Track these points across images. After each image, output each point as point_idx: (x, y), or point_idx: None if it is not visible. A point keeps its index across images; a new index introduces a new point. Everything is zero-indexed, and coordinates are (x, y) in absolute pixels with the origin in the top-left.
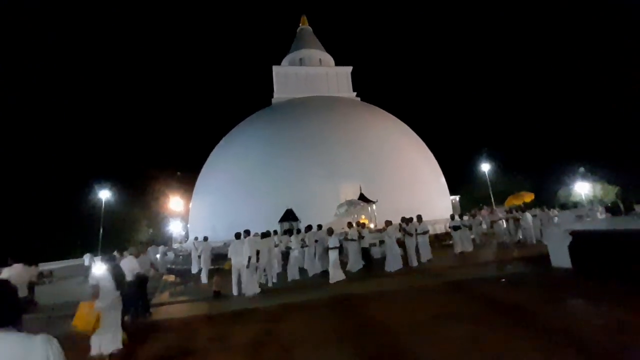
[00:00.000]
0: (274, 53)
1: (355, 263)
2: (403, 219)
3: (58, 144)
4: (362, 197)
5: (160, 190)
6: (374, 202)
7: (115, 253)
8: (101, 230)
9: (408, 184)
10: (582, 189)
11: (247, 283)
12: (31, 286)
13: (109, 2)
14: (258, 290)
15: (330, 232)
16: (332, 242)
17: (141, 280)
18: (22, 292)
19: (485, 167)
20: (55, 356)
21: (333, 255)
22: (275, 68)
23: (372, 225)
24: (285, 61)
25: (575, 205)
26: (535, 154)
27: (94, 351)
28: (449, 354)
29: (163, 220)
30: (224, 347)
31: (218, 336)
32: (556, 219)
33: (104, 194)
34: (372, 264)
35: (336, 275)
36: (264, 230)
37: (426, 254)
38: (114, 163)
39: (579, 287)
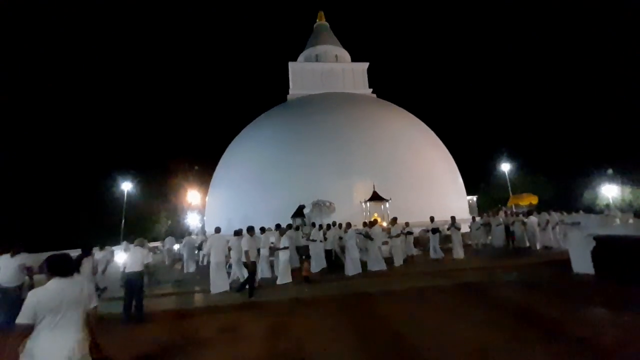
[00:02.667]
0: (291, 49)
1: (316, 264)
2: (364, 223)
3: (84, 139)
4: (375, 195)
5: (179, 184)
6: (387, 201)
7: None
8: (123, 221)
9: (423, 183)
10: (610, 192)
11: (213, 280)
12: None
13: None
14: (226, 288)
15: (282, 232)
16: (283, 242)
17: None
18: None
19: (505, 167)
20: (87, 287)
21: (282, 256)
22: (291, 64)
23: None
24: (301, 57)
25: (581, 210)
26: (559, 153)
27: None
28: (458, 358)
29: (181, 212)
30: (235, 338)
31: (229, 327)
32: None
33: (126, 186)
34: (336, 266)
35: (284, 277)
36: (277, 224)
37: (397, 259)
38: (137, 157)
39: (601, 294)
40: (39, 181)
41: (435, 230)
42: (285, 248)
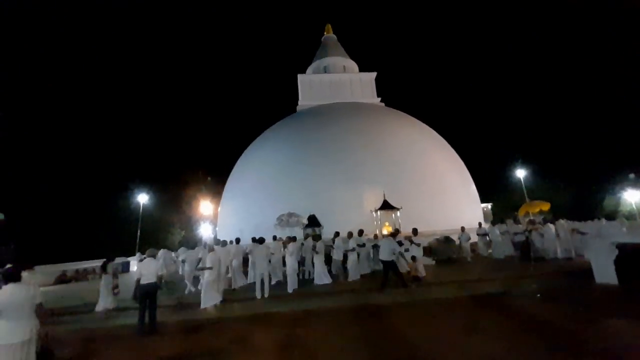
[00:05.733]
0: (300, 62)
1: (274, 276)
2: (314, 237)
3: (101, 153)
4: (386, 204)
5: (192, 195)
6: (398, 209)
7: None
8: (139, 232)
9: (435, 191)
10: (632, 197)
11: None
12: None
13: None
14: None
15: (210, 249)
16: (209, 261)
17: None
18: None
19: (521, 173)
20: (37, 292)
21: (207, 276)
22: (300, 76)
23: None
24: (310, 69)
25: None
26: (578, 158)
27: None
28: None
29: (195, 223)
30: (247, 350)
31: (241, 338)
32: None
33: (142, 198)
34: (303, 279)
35: (207, 298)
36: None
37: (354, 274)
38: (151, 169)
39: (627, 306)
40: (58, 196)
41: (400, 244)
42: (209, 268)
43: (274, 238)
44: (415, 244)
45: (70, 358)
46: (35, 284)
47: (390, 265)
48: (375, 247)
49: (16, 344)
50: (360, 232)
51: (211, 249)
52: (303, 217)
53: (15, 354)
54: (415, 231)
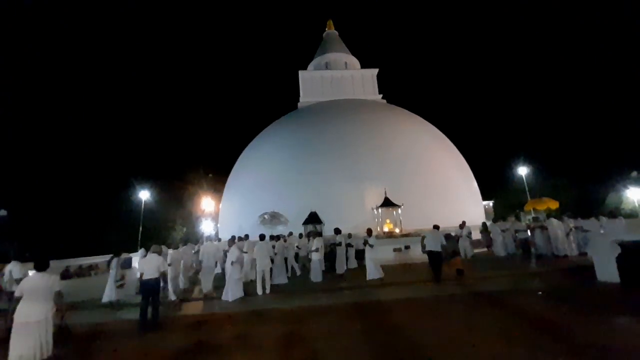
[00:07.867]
0: (301, 58)
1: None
2: (271, 237)
3: (103, 148)
4: (387, 201)
5: (194, 191)
6: (399, 207)
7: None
8: (141, 229)
9: (436, 188)
10: (635, 195)
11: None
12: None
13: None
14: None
15: (174, 247)
16: (169, 259)
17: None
18: None
19: (523, 170)
20: (55, 281)
21: (170, 272)
22: (301, 73)
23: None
24: (311, 66)
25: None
26: (580, 155)
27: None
28: None
29: (196, 219)
30: (250, 346)
31: (244, 334)
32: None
33: (144, 195)
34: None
35: (171, 293)
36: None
37: (316, 275)
38: (153, 166)
39: (629, 304)
40: (60, 193)
41: (366, 243)
42: (168, 265)
43: (290, 234)
44: (370, 245)
45: (72, 352)
46: (54, 274)
47: (435, 257)
48: (349, 245)
49: (32, 322)
50: (337, 231)
51: (175, 248)
52: (285, 217)
53: (32, 330)
54: (369, 231)
